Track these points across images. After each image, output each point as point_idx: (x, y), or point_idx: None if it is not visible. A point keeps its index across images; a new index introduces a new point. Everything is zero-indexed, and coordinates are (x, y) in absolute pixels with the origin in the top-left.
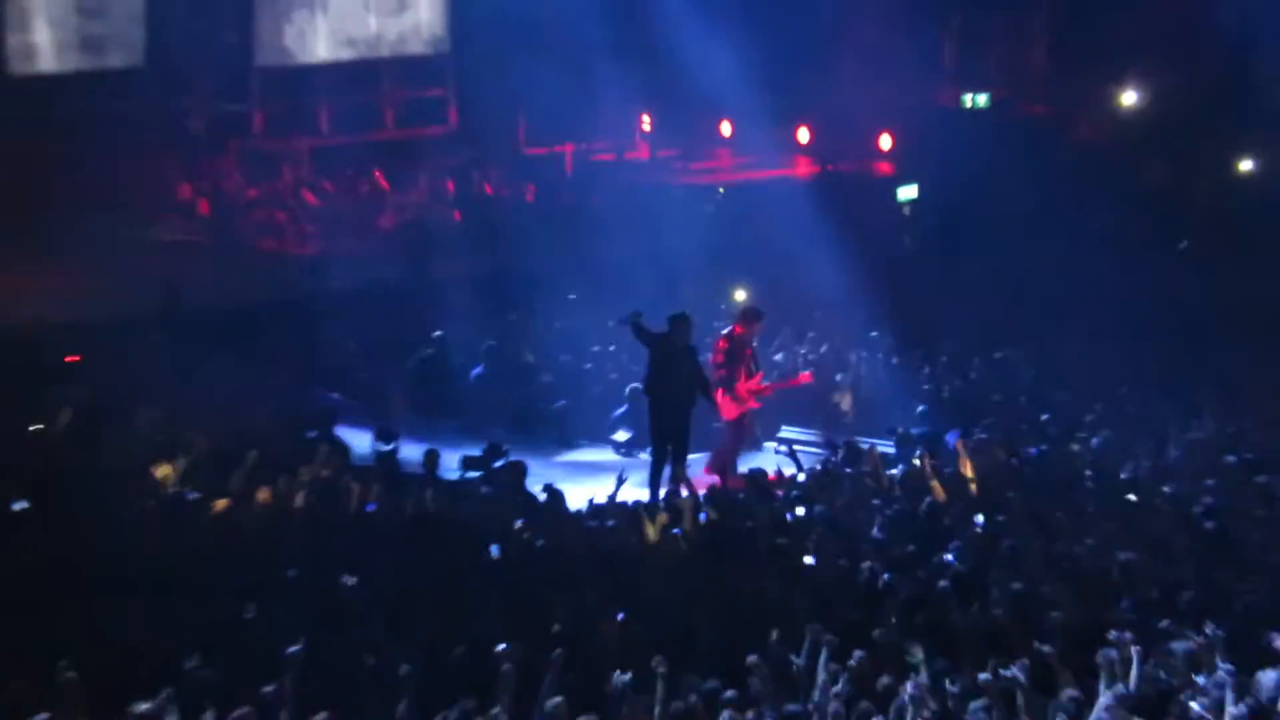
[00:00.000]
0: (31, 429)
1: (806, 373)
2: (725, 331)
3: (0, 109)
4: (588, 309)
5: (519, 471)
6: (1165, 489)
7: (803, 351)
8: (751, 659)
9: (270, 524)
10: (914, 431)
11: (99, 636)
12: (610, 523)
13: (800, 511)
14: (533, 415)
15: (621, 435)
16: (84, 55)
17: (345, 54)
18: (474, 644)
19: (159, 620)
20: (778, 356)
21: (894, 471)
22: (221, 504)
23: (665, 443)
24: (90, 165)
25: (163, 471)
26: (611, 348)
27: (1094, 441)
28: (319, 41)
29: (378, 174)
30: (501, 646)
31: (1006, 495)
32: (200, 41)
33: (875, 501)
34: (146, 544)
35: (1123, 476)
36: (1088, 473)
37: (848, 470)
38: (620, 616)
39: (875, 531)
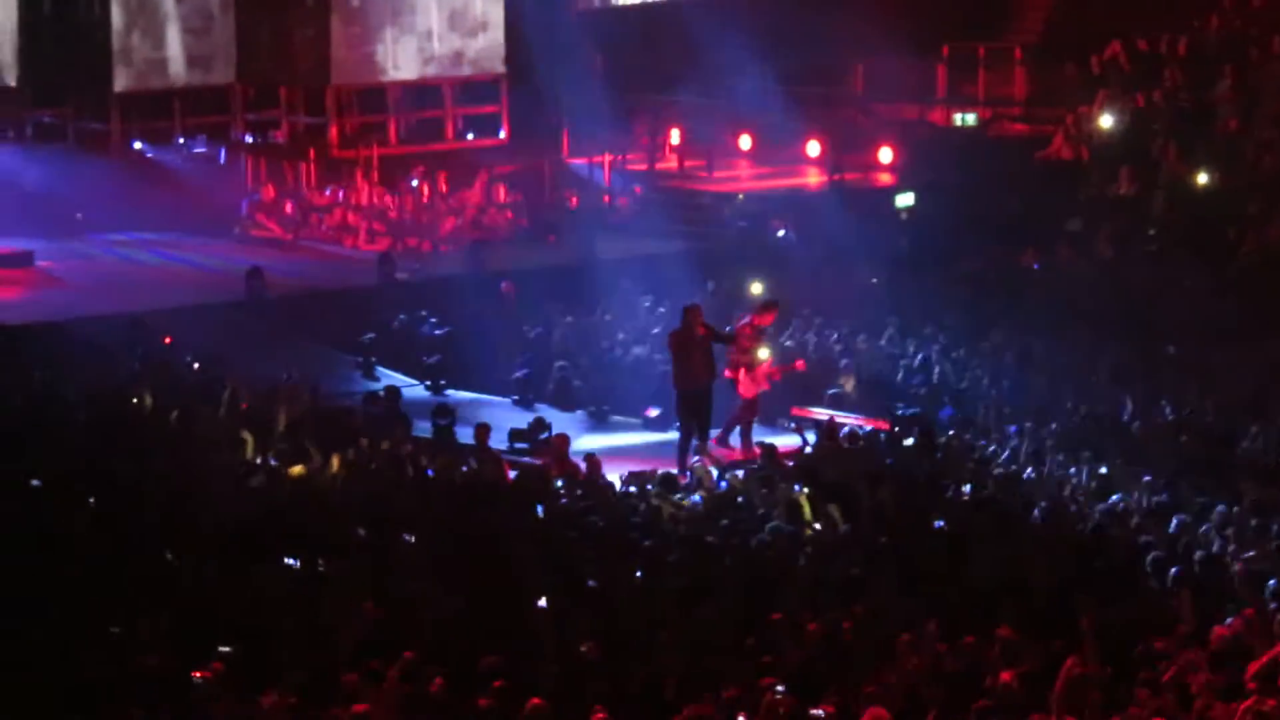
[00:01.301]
0: (133, 400)
1: (800, 360)
2: (747, 320)
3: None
4: (624, 300)
5: (563, 442)
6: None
7: (812, 339)
8: None
9: (341, 489)
10: (912, 411)
11: (187, 590)
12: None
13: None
14: (574, 394)
15: (653, 411)
16: (187, 74)
17: (412, 74)
18: (515, 596)
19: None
20: (789, 343)
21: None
22: (297, 470)
23: (691, 420)
24: (189, 168)
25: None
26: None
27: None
28: (389, 62)
29: (440, 179)
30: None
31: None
32: (284, 62)
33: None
34: (231, 506)
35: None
36: (1059, 457)
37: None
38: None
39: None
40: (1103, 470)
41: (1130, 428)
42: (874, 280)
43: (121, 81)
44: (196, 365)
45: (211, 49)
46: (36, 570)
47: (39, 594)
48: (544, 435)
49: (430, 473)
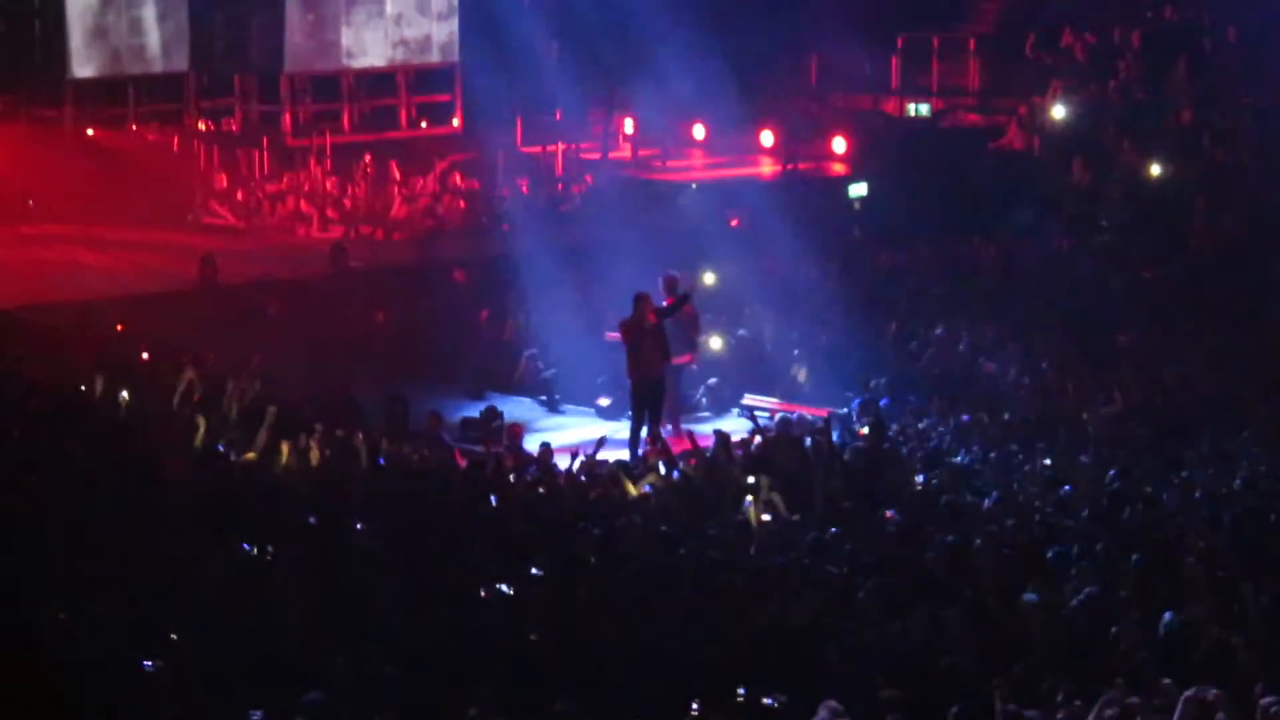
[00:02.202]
0: (83, 388)
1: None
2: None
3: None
4: (574, 290)
5: (517, 431)
6: (1082, 459)
7: (765, 329)
8: None
9: (292, 476)
10: (865, 400)
11: (134, 573)
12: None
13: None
14: (525, 383)
15: (604, 400)
16: (141, 62)
17: (366, 62)
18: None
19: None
20: (742, 332)
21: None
22: (250, 457)
23: (643, 408)
24: (142, 156)
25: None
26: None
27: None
28: (342, 51)
29: (392, 167)
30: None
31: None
32: (237, 51)
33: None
34: (182, 493)
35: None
36: (1014, 448)
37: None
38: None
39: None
40: (1049, 461)
41: (1081, 417)
42: (825, 270)
43: (75, 68)
44: (147, 355)
45: (165, 36)
46: None
47: None
48: (495, 424)
49: (381, 461)
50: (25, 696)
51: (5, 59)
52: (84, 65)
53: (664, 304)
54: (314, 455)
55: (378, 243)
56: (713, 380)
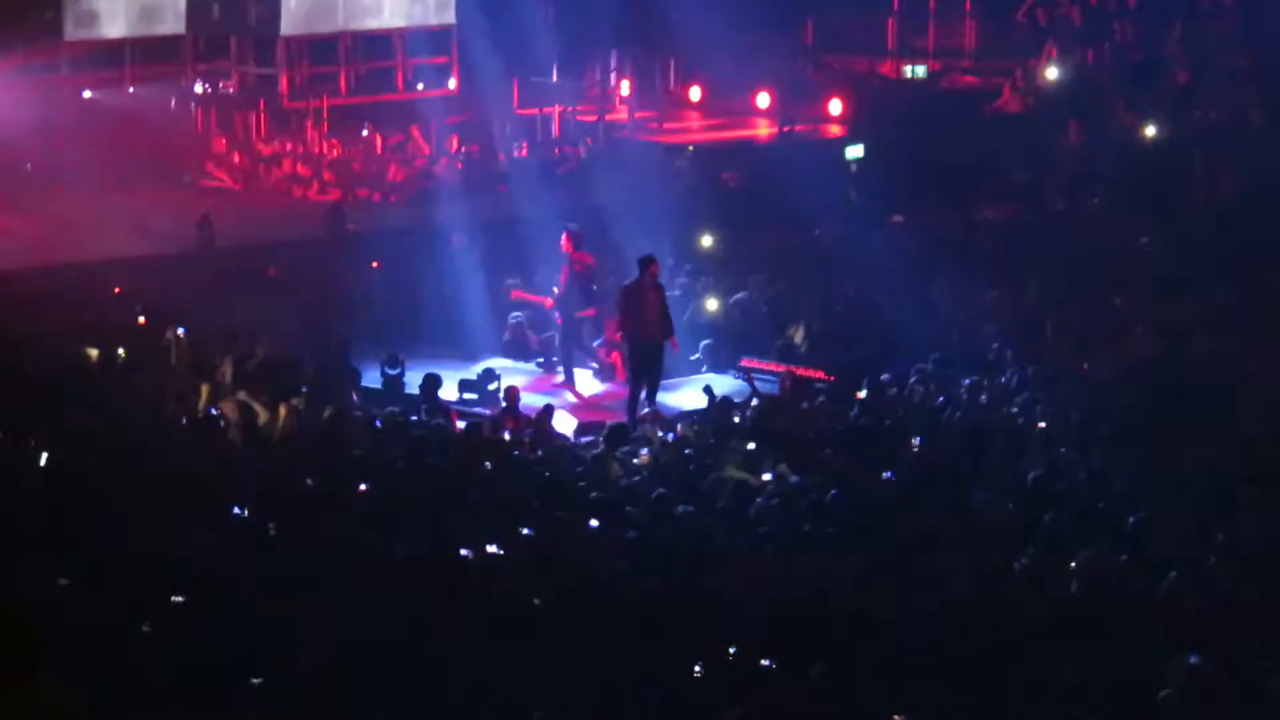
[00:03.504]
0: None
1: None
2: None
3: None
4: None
5: (514, 394)
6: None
7: (761, 291)
8: None
9: (290, 439)
10: (862, 363)
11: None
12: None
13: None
14: (516, 345)
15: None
16: (138, 24)
17: (362, 24)
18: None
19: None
20: (741, 295)
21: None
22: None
23: (642, 373)
24: (139, 118)
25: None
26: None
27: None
28: (339, 13)
29: (387, 131)
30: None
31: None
32: (234, 14)
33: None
34: (178, 457)
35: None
36: (1013, 409)
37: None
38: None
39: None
40: (1044, 424)
41: (1077, 379)
42: (817, 232)
43: (71, 30)
44: (143, 319)
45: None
46: None
47: None
48: (492, 386)
49: (379, 423)
50: (22, 665)
51: (1, 21)
52: (80, 27)
53: (570, 258)
54: (310, 418)
55: (375, 205)
56: (708, 342)
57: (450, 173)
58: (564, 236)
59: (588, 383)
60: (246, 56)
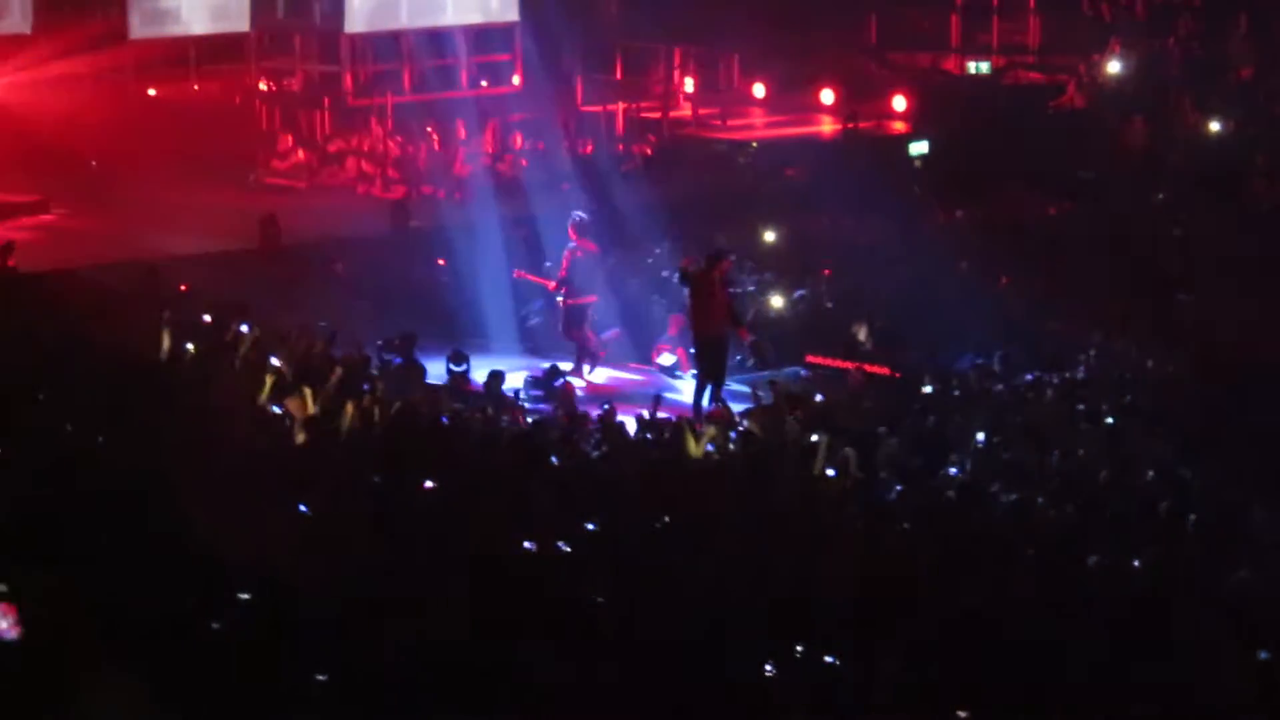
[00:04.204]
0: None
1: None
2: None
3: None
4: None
5: (569, 391)
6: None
7: (826, 287)
8: None
9: (356, 435)
10: (927, 358)
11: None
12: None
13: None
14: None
15: (666, 359)
16: (203, 21)
17: (426, 21)
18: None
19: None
20: (802, 291)
21: None
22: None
23: (707, 366)
24: (204, 116)
25: (261, 389)
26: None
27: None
28: (402, 10)
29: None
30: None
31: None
32: (298, 11)
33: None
34: (244, 454)
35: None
36: (1080, 407)
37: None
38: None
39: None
40: (1111, 420)
41: (1141, 376)
42: (881, 228)
43: (137, 29)
44: (209, 318)
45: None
46: (58, 515)
47: (59, 539)
48: (558, 383)
49: (445, 420)
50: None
51: (68, 20)
52: (146, 25)
53: (574, 245)
54: (378, 414)
55: (439, 202)
56: (769, 339)
57: (514, 170)
58: (570, 224)
59: (653, 380)
60: (311, 54)
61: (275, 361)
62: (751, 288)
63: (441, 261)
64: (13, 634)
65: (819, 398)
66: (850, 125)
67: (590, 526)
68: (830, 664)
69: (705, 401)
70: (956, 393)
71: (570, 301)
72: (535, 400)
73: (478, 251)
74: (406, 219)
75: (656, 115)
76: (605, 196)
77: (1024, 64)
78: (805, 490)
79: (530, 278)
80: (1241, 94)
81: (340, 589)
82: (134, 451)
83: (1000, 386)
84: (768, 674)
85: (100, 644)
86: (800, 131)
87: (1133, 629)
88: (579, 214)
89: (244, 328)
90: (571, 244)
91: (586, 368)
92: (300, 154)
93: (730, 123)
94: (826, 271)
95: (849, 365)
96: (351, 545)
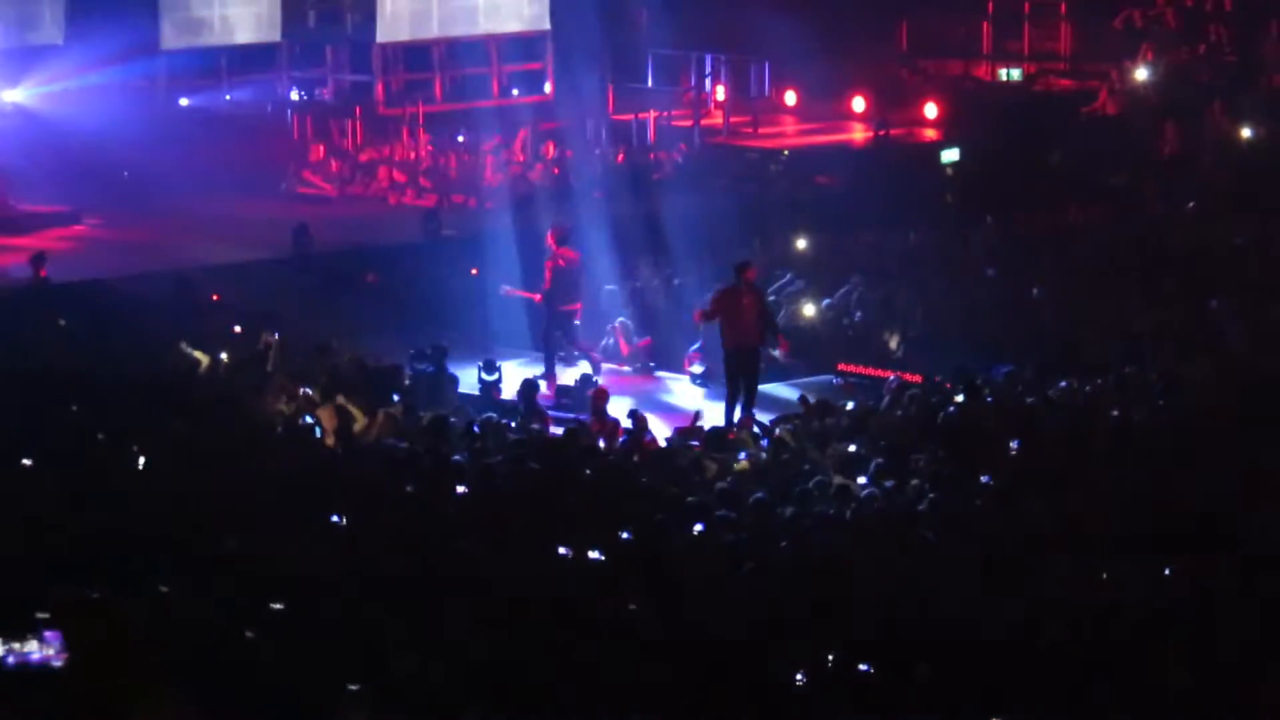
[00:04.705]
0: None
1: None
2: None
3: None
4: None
5: (601, 398)
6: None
7: (857, 295)
8: None
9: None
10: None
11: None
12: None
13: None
14: (616, 350)
15: (697, 368)
16: (234, 31)
17: (457, 30)
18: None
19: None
20: (833, 299)
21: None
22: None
23: (738, 377)
24: (236, 126)
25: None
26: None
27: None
28: (433, 20)
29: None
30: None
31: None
32: (329, 21)
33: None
34: (276, 463)
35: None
36: (1114, 413)
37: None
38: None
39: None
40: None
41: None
42: (913, 236)
43: (169, 39)
44: (239, 329)
45: (258, 6)
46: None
47: (92, 551)
48: (590, 391)
49: (477, 428)
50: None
51: (100, 31)
52: (178, 35)
53: (554, 254)
54: (408, 424)
55: (470, 211)
56: (799, 348)
57: (545, 178)
58: (549, 232)
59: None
60: (342, 63)
61: (310, 372)
62: (793, 288)
63: (475, 271)
64: (59, 659)
65: (849, 405)
66: (882, 133)
67: (625, 536)
68: (865, 671)
69: (736, 413)
70: (989, 400)
71: (555, 310)
72: (567, 409)
73: (510, 260)
74: (438, 228)
75: (688, 123)
76: (637, 205)
77: (1055, 71)
78: (838, 498)
79: (518, 293)
80: (1272, 100)
81: (371, 598)
82: (164, 460)
83: (1033, 394)
84: (801, 682)
85: (147, 665)
86: (831, 139)
87: (1167, 636)
88: (558, 221)
89: (274, 336)
90: (551, 253)
91: (561, 368)
92: (332, 163)
93: (761, 130)
94: (858, 280)
95: (884, 374)
96: (385, 554)
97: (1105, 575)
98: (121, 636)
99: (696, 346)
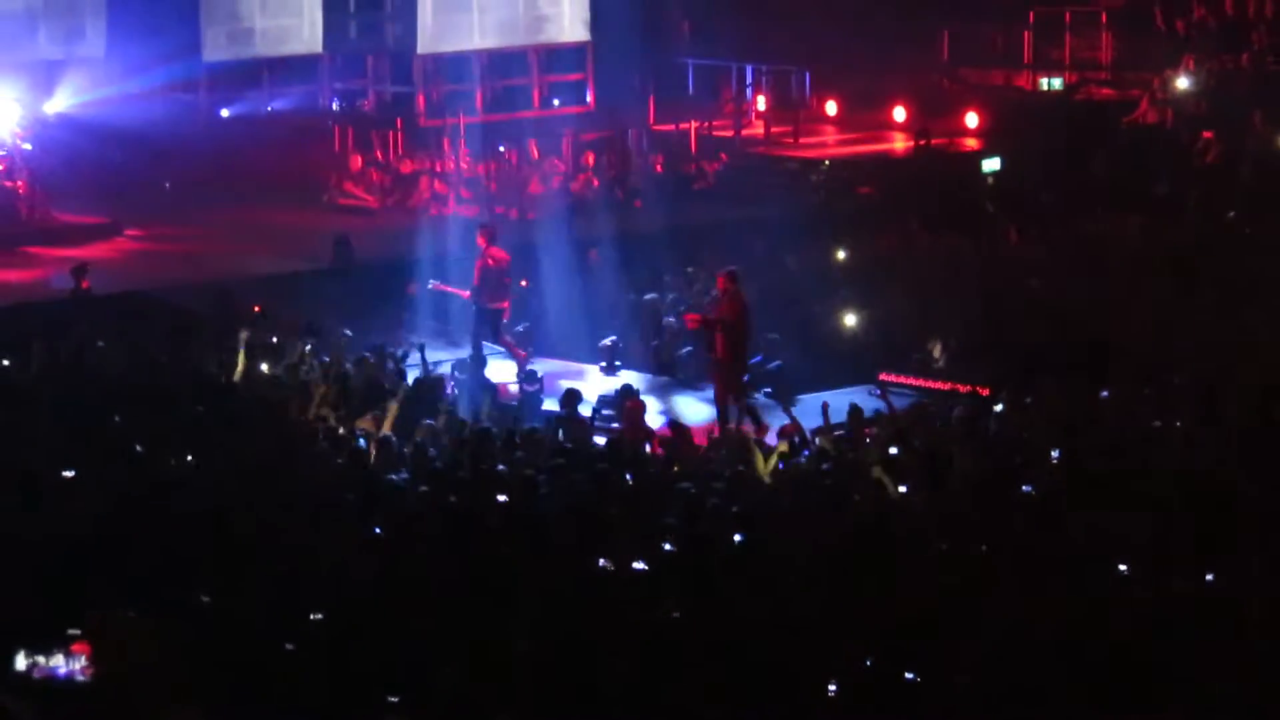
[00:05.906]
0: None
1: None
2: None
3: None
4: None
5: (638, 408)
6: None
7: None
8: None
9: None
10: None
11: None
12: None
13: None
14: (659, 360)
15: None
16: (275, 43)
17: (498, 41)
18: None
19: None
20: (873, 310)
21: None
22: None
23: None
24: (277, 137)
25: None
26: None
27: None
28: (475, 30)
29: (530, 146)
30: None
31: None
32: (370, 33)
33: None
34: (316, 475)
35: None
36: (1156, 423)
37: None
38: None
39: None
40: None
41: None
42: (954, 246)
43: (211, 51)
44: (275, 339)
45: (299, 18)
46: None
47: (133, 562)
48: (629, 403)
49: (517, 439)
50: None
51: (142, 42)
52: (219, 47)
53: (484, 253)
54: (450, 434)
55: (512, 221)
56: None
57: (586, 188)
58: (478, 232)
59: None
60: (383, 75)
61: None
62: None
63: (525, 283)
64: (86, 675)
65: (885, 411)
66: (922, 142)
67: (668, 546)
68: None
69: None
70: (1029, 409)
71: (483, 307)
72: (608, 420)
73: (551, 270)
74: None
75: (729, 133)
76: (676, 215)
77: (1096, 80)
78: (880, 506)
79: (446, 289)
80: None
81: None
82: (210, 474)
83: (1073, 403)
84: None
85: (173, 684)
86: (872, 149)
87: (1210, 641)
88: (486, 221)
89: (308, 347)
90: (481, 252)
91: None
92: (373, 174)
93: (802, 140)
94: (898, 289)
95: (926, 383)
96: (426, 564)
97: (1147, 582)
98: (149, 655)
99: (756, 360)
